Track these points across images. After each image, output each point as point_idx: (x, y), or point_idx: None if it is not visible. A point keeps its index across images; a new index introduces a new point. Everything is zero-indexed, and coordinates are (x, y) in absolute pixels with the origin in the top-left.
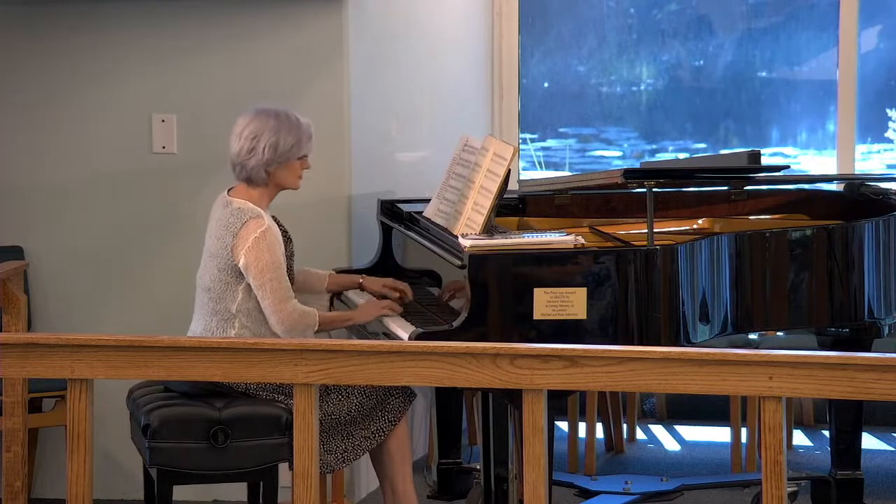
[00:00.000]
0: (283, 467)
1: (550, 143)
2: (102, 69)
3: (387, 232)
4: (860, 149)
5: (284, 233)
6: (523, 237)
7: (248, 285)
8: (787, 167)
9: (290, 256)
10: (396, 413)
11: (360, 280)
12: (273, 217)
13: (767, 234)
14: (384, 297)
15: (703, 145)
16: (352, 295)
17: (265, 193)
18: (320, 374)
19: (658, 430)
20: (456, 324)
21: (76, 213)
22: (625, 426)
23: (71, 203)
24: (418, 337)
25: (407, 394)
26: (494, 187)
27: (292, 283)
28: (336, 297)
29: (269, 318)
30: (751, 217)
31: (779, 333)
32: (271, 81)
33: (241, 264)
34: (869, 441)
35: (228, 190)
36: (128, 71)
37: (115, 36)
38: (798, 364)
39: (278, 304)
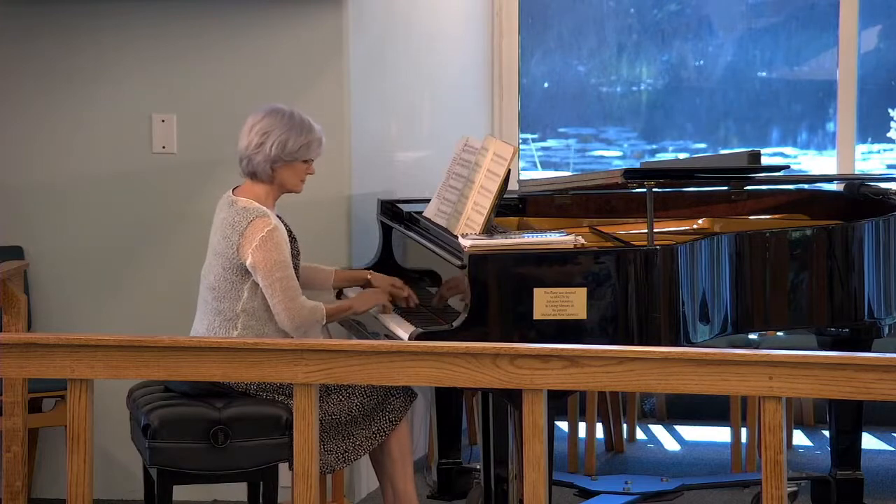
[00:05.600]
0: (283, 467)
1: (550, 143)
2: (102, 69)
3: (387, 232)
4: (860, 149)
5: (289, 232)
6: (523, 237)
7: (254, 284)
8: (787, 167)
9: (295, 255)
10: (397, 413)
11: (368, 276)
12: (278, 216)
13: (767, 235)
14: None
15: (703, 145)
16: (349, 292)
17: (270, 192)
18: (320, 374)
19: (658, 430)
20: (456, 324)
21: (76, 213)
22: (625, 426)
23: (71, 203)
24: (418, 337)
25: (408, 394)
26: (494, 187)
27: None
28: (337, 295)
29: (279, 316)
30: (751, 217)
31: (779, 333)
32: (271, 81)
33: (248, 263)
34: (869, 441)
35: (233, 189)
36: (128, 71)
37: (115, 36)
38: (798, 364)
39: (289, 301)
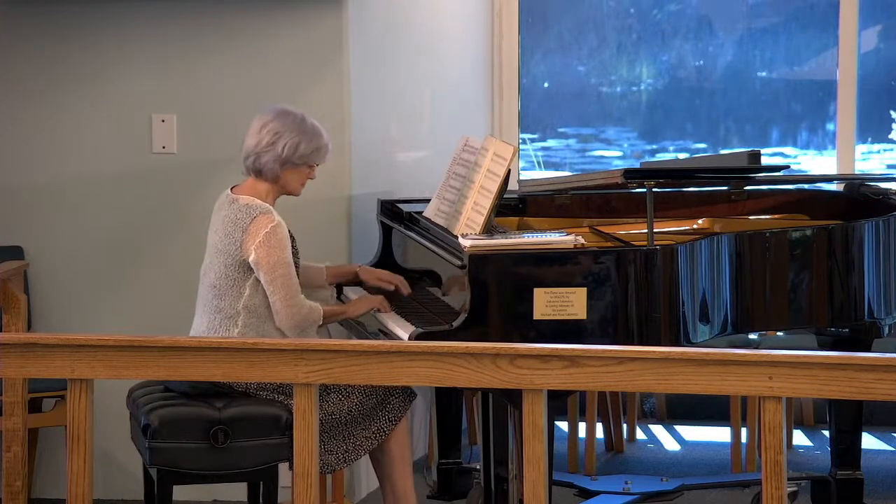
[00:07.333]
0: (283, 467)
1: (550, 143)
2: (102, 69)
3: (387, 232)
4: (860, 149)
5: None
6: (523, 237)
7: (255, 281)
8: (787, 167)
9: (295, 254)
10: (397, 413)
11: (357, 269)
12: None
13: (767, 235)
14: (379, 291)
15: (703, 145)
16: (349, 292)
17: (270, 192)
18: (320, 374)
19: (658, 430)
20: (456, 324)
21: (76, 213)
22: (625, 426)
23: (71, 203)
24: (418, 337)
25: (407, 393)
26: (494, 187)
27: None
28: (338, 292)
29: (279, 314)
30: (751, 217)
31: (779, 333)
32: (271, 81)
33: (251, 259)
34: (869, 441)
35: (232, 188)
36: (128, 71)
37: (115, 36)
38: (798, 364)
39: (289, 300)
